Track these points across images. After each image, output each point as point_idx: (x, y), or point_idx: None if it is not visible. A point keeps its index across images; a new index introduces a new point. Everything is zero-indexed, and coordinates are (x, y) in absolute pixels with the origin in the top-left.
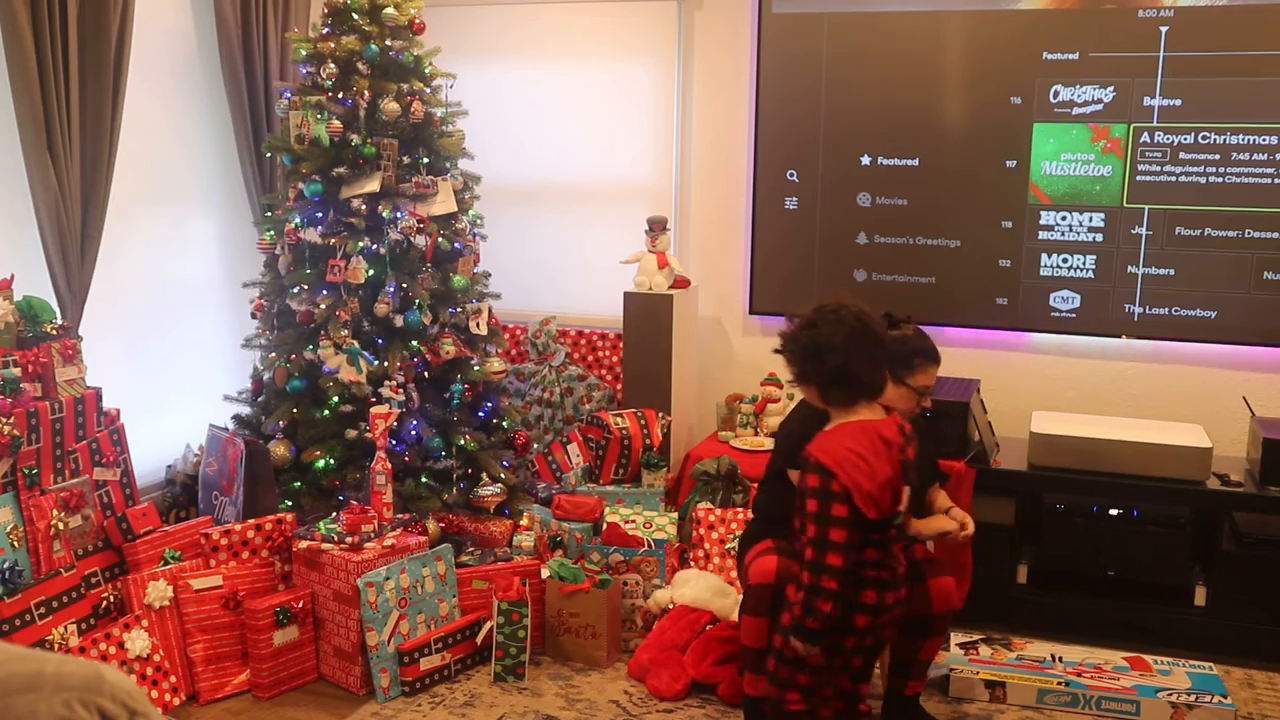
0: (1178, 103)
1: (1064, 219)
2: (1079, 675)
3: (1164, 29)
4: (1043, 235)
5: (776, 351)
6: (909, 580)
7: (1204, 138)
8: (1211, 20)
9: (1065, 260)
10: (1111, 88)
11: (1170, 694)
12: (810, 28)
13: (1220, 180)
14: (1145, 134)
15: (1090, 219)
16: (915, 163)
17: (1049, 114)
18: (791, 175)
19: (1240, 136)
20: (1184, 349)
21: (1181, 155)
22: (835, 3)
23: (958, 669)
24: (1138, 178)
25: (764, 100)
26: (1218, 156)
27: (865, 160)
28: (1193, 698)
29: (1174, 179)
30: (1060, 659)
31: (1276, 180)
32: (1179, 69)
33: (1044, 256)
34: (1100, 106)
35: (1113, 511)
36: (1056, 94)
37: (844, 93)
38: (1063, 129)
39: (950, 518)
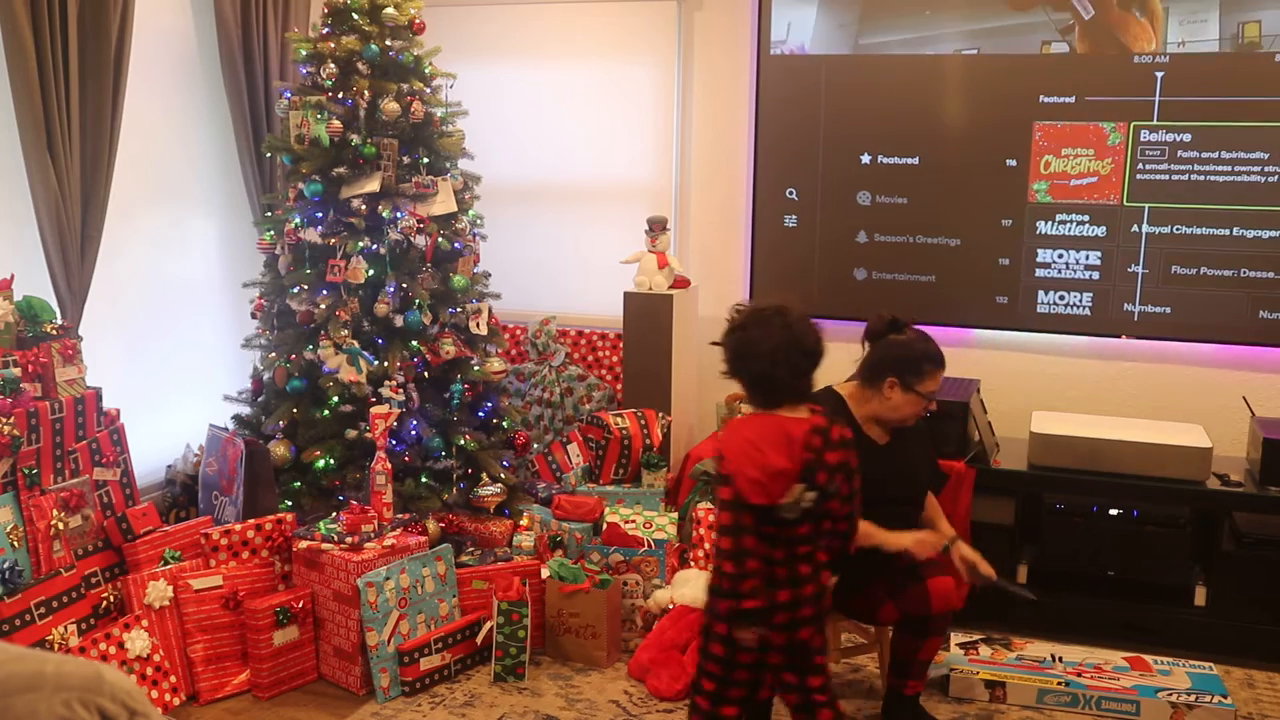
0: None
1: (1063, 218)
2: (1079, 675)
3: (1159, 74)
4: (1041, 234)
5: (713, 343)
6: (907, 580)
7: (1203, 137)
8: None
9: (1063, 257)
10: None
11: (1170, 694)
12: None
13: (1219, 180)
14: (1145, 132)
15: (1090, 218)
16: (915, 161)
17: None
18: (790, 193)
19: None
20: (1184, 349)
21: (1180, 155)
22: (835, 8)
23: (958, 669)
24: (1138, 176)
25: (764, 100)
26: (1217, 154)
27: (865, 159)
28: (1193, 698)
29: (1173, 178)
30: (1060, 659)
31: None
32: (1174, 114)
33: (1043, 255)
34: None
35: (1113, 511)
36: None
37: (844, 93)
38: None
39: (932, 533)
